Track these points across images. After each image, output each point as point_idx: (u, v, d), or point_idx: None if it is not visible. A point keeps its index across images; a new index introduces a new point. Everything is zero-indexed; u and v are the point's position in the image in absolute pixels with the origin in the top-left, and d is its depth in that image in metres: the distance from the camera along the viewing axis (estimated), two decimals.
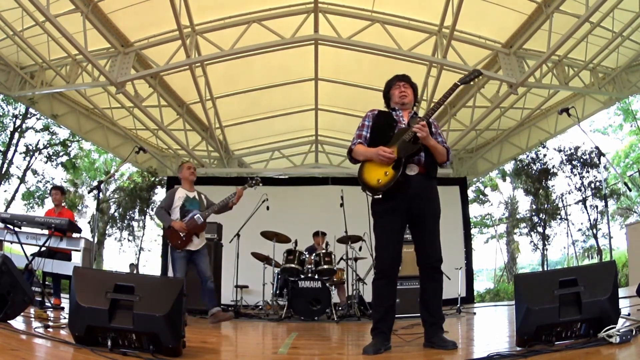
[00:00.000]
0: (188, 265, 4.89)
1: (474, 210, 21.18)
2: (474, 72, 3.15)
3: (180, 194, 5.06)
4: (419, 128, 2.82)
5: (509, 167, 17.65)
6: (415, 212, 2.90)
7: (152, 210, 18.63)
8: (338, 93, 9.53)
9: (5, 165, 14.61)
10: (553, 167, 13.42)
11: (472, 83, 3.14)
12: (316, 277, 6.17)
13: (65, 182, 18.83)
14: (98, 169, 21.14)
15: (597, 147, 4.49)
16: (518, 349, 2.49)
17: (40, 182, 16.60)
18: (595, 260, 15.90)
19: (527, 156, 13.41)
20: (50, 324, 3.48)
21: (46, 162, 15.79)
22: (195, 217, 4.89)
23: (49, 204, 6.53)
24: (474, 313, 6.77)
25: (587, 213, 13.25)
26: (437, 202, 2.99)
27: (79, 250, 5.56)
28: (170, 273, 5.41)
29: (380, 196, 2.90)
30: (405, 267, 5.86)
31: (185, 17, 6.68)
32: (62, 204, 6.47)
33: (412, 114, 3.10)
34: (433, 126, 3.07)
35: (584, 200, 13.08)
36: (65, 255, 5.75)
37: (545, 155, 13.29)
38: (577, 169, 13.03)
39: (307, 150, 12.20)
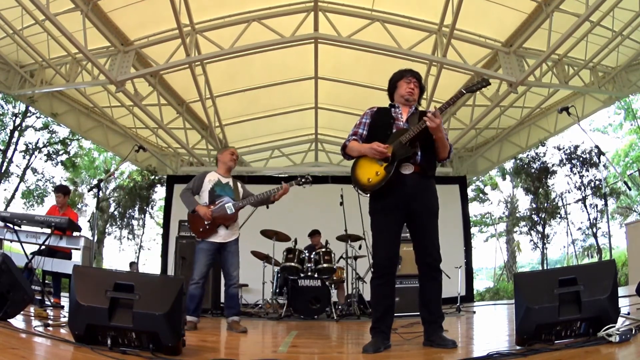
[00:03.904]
0: (212, 260, 4.34)
1: (474, 209, 21.25)
2: (482, 82, 3.02)
3: (212, 177, 4.47)
4: (429, 118, 2.75)
5: (508, 165, 17.68)
6: (411, 210, 2.88)
7: (151, 208, 18.68)
8: (338, 92, 9.53)
9: (5, 164, 14.61)
10: (553, 165, 13.43)
11: (470, 84, 3.03)
12: (316, 275, 6.17)
13: (65, 180, 18.82)
14: (98, 168, 21.15)
15: (596, 146, 4.49)
16: (518, 347, 2.49)
17: (40, 180, 16.61)
18: (595, 259, 15.92)
19: (527, 155, 13.42)
20: (50, 322, 3.48)
21: (46, 161, 15.82)
22: (225, 205, 4.30)
23: (49, 202, 6.50)
24: (474, 312, 6.78)
25: (587, 212, 13.27)
26: (434, 200, 2.96)
27: (78, 249, 5.55)
28: (170, 272, 5.31)
29: (368, 195, 2.91)
30: (405, 266, 5.89)
31: (185, 16, 6.68)
32: (67, 204, 6.42)
33: (411, 112, 3.07)
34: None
35: (583, 199, 13.09)
36: (65, 254, 5.74)
37: (544, 154, 13.31)
38: (577, 168, 13.05)
39: (306, 149, 12.20)
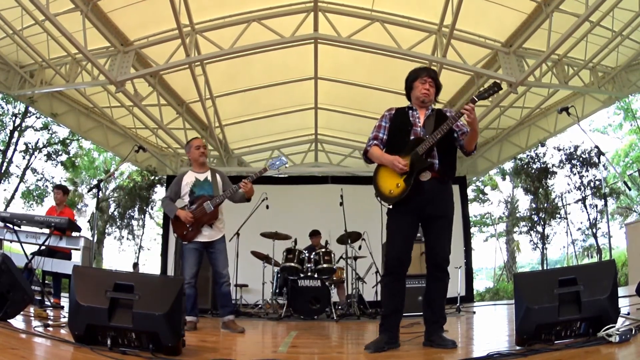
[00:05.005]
0: (200, 259, 4.24)
1: (474, 209, 21.24)
2: (494, 86, 2.92)
3: (189, 178, 4.37)
4: (467, 110, 2.75)
5: (508, 166, 17.67)
6: (427, 214, 2.93)
7: (151, 209, 18.68)
8: (338, 92, 9.53)
9: (5, 164, 14.61)
10: (553, 166, 13.43)
11: (481, 90, 2.96)
12: (316, 276, 6.17)
13: (65, 180, 18.81)
14: (98, 168, 21.14)
15: (596, 146, 4.49)
16: (518, 348, 2.49)
17: (40, 180, 16.61)
18: (595, 259, 15.93)
19: (527, 155, 13.42)
20: (50, 322, 3.48)
21: (46, 161, 15.82)
22: (204, 204, 4.19)
23: (49, 202, 6.53)
24: (474, 312, 6.77)
25: (587, 212, 13.27)
26: (450, 204, 3.01)
27: (78, 249, 5.56)
28: (170, 272, 5.27)
29: (391, 206, 2.97)
30: None
31: (185, 16, 6.67)
32: (64, 203, 6.46)
33: (428, 114, 3.06)
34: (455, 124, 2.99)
35: (583, 200, 13.09)
36: (65, 254, 5.75)
37: (544, 155, 13.31)
38: (577, 168, 13.05)
39: (306, 149, 12.19)
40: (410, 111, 3.10)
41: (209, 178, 4.38)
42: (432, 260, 2.95)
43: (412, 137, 2.96)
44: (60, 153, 15.85)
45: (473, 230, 19.77)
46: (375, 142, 3.09)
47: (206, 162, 4.51)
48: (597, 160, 12.38)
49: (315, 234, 7.45)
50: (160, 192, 16.60)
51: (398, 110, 3.17)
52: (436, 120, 2.96)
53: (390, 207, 2.98)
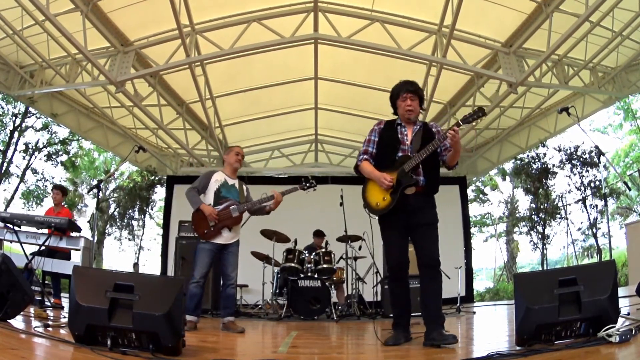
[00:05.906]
0: (213, 261, 4.31)
1: (474, 209, 21.23)
2: (478, 112, 3.10)
3: (219, 177, 4.43)
4: (451, 134, 2.95)
5: (508, 166, 17.67)
6: (413, 224, 3.09)
7: (151, 209, 18.68)
8: (338, 92, 9.53)
9: (5, 164, 14.62)
10: (553, 166, 13.43)
11: (467, 115, 3.10)
12: (316, 276, 6.17)
13: (65, 181, 18.82)
14: (98, 168, 21.15)
15: (596, 147, 4.49)
16: (518, 348, 2.49)
17: (40, 181, 16.62)
18: (595, 259, 15.92)
19: (527, 155, 13.42)
20: (50, 323, 3.48)
21: (46, 161, 15.83)
22: (230, 207, 4.26)
23: (48, 203, 6.55)
24: (474, 312, 6.78)
25: (587, 212, 13.28)
26: (433, 213, 3.17)
27: (78, 250, 5.56)
28: (170, 272, 5.26)
29: (377, 218, 3.20)
30: None
31: (185, 16, 6.67)
32: (62, 204, 6.47)
33: (415, 129, 3.19)
34: (438, 133, 3.20)
35: (583, 200, 13.10)
36: (65, 255, 5.74)
37: (545, 155, 13.31)
38: (577, 168, 13.06)
39: (306, 150, 12.19)
40: (399, 127, 3.22)
41: (237, 186, 4.50)
42: (423, 262, 3.07)
43: (399, 154, 3.12)
44: (60, 153, 15.86)
45: (473, 230, 19.76)
46: (365, 156, 3.26)
47: (237, 171, 4.62)
48: (597, 161, 12.39)
49: (318, 235, 7.43)
50: (160, 193, 16.61)
51: (387, 124, 3.30)
52: (423, 136, 3.12)
53: (377, 218, 3.20)
